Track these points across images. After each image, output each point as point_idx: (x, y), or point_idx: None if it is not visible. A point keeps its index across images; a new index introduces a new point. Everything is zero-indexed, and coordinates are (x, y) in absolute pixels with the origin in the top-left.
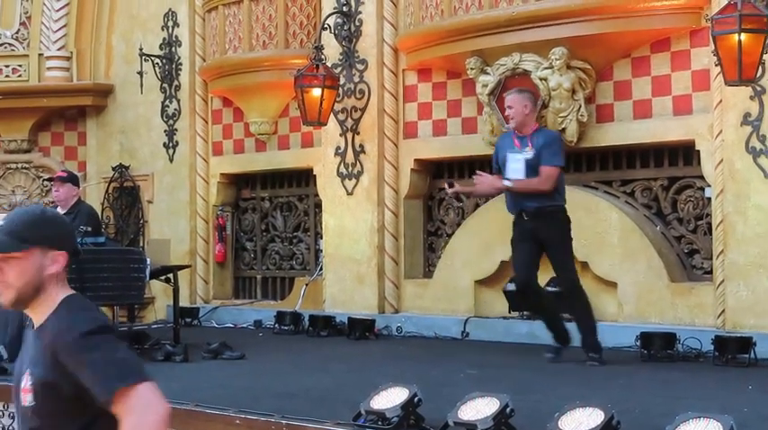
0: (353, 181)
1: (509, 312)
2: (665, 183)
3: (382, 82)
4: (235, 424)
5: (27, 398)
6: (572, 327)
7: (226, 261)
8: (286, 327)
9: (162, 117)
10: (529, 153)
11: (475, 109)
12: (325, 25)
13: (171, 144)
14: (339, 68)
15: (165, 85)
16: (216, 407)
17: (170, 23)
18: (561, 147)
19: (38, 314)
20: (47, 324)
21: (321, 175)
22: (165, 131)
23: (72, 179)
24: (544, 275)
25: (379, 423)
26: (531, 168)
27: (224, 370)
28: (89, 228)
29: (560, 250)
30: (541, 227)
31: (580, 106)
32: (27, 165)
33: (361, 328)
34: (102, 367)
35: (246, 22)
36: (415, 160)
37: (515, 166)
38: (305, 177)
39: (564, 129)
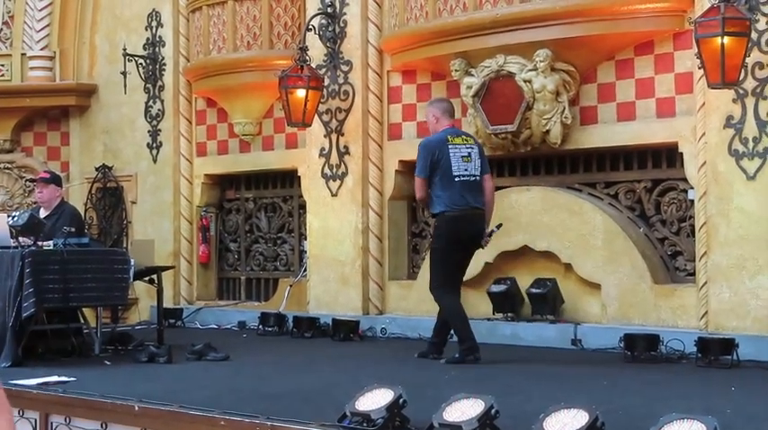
0: (338, 182)
1: (493, 313)
2: (648, 186)
3: (367, 83)
4: (219, 425)
5: None
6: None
7: (210, 262)
8: (270, 329)
9: (146, 117)
10: None
11: (459, 110)
12: (310, 26)
13: (155, 144)
14: (323, 69)
15: (149, 86)
16: (200, 409)
17: (154, 23)
18: (423, 155)
19: None
20: None
21: (305, 176)
22: (148, 132)
23: (55, 180)
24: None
25: (365, 424)
26: None
27: (208, 371)
28: (72, 229)
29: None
30: None
31: (564, 108)
32: (9, 166)
33: (345, 330)
34: None
35: (231, 22)
36: (400, 161)
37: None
38: (289, 178)
39: (548, 131)
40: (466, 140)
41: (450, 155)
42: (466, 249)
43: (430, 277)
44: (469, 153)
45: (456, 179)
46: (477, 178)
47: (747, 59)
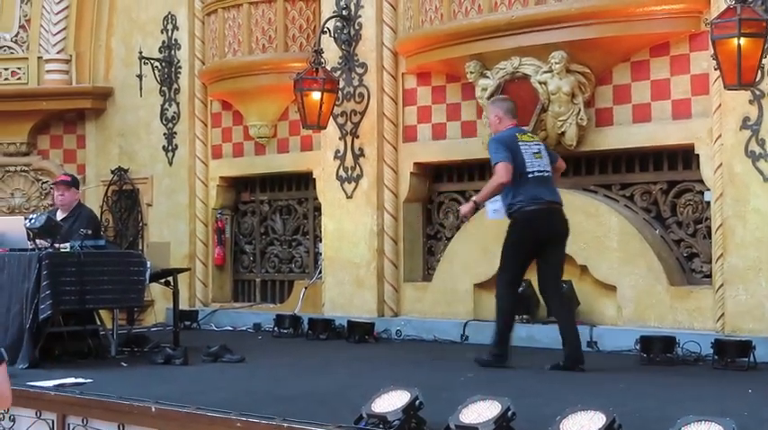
0: (353, 184)
1: None
2: (664, 187)
3: (382, 85)
4: (236, 427)
5: None
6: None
7: (225, 264)
8: (285, 331)
9: (161, 120)
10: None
11: (474, 112)
12: (325, 29)
13: (170, 147)
14: (338, 72)
15: (165, 89)
16: (217, 411)
17: (169, 26)
18: (497, 147)
19: None
20: None
21: (320, 179)
22: (164, 134)
23: (75, 183)
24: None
25: (381, 426)
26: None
27: (224, 373)
28: (89, 231)
29: None
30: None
31: (579, 110)
32: (26, 168)
33: (360, 332)
34: None
35: (246, 25)
36: (415, 164)
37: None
38: (304, 181)
39: (563, 133)
40: (532, 138)
41: (523, 152)
42: (545, 245)
43: (501, 270)
44: (539, 149)
45: (530, 175)
46: (550, 174)
47: (764, 60)
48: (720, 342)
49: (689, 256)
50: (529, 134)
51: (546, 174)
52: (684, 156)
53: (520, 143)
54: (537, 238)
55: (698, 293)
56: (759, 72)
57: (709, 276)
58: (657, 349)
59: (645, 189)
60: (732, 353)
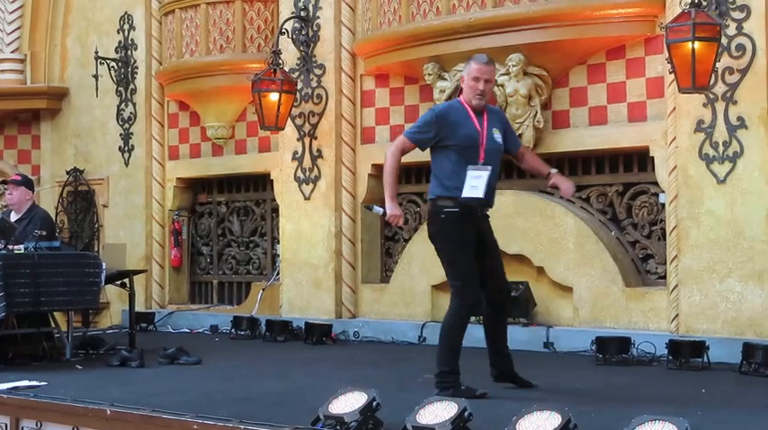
0: (311, 186)
1: None
2: (620, 189)
3: (340, 87)
4: (192, 429)
5: None
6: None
7: (182, 266)
8: (243, 332)
9: (117, 121)
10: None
11: None
12: (283, 30)
13: (127, 148)
14: (297, 73)
15: (121, 89)
16: (173, 413)
17: (126, 26)
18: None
19: None
20: None
21: (278, 180)
22: (120, 135)
23: (26, 183)
24: None
25: (338, 427)
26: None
27: (181, 375)
28: (44, 233)
29: None
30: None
31: (536, 112)
32: None
33: (318, 333)
34: None
35: (203, 25)
36: (373, 165)
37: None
38: (262, 182)
39: (520, 135)
40: None
41: None
42: None
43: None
44: None
45: None
46: None
47: (717, 64)
48: (675, 342)
49: (644, 258)
50: None
51: None
52: (640, 159)
53: None
54: None
55: (653, 294)
56: (713, 76)
57: (664, 277)
58: (613, 350)
59: (601, 191)
60: (686, 353)
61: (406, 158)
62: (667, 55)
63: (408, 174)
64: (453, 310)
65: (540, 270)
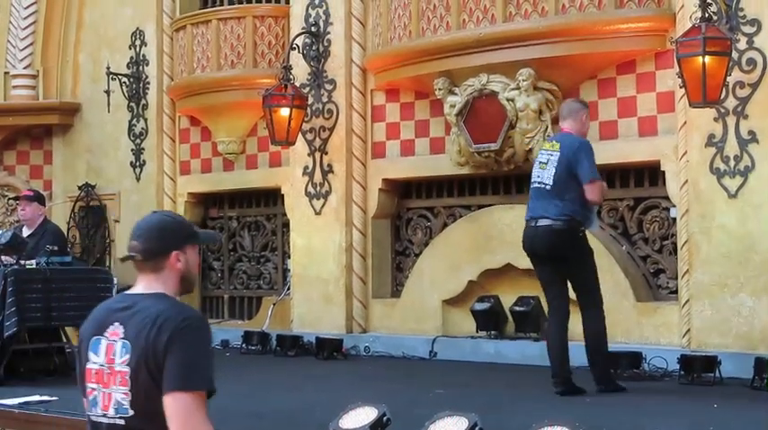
0: (321, 200)
1: (477, 332)
2: (630, 204)
3: (350, 102)
4: None
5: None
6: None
7: None
8: (253, 347)
9: (129, 136)
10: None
11: (443, 129)
12: (294, 45)
13: (138, 163)
14: (307, 88)
15: (133, 104)
16: None
17: (137, 42)
18: (591, 155)
19: None
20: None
21: (289, 195)
22: (132, 150)
23: (38, 198)
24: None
25: None
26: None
27: None
28: (55, 248)
29: None
30: None
31: (547, 127)
32: None
33: (328, 348)
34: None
35: (215, 41)
36: (383, 180)
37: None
38: (273, 197)
39: (531, 150)
40: (553, 146)
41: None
42: (545, 263)
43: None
44: (548, 159)
45: (531, 187)
46: (547, 186)
47: (728, 79)
48: (686, 357)
49: (655, 272)
50: (552, 142)
51: (542, 185)
52: (651, 173)
53: (540, 150)
54: (530, 257)
55: (664, 309)
56: (723, 90)
57: (676, 292)
58: (624, 364)
59: (611, 205)
60: (698, 368)
61: (417, 173)
62: (678, 69)
63: (419, 188)
64: (601, 316)
65: None
